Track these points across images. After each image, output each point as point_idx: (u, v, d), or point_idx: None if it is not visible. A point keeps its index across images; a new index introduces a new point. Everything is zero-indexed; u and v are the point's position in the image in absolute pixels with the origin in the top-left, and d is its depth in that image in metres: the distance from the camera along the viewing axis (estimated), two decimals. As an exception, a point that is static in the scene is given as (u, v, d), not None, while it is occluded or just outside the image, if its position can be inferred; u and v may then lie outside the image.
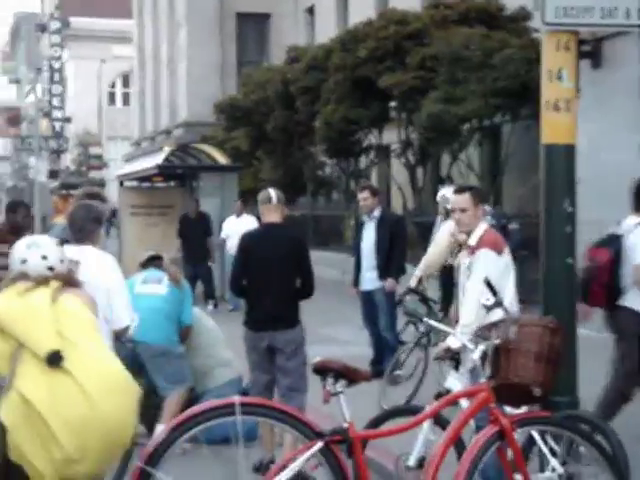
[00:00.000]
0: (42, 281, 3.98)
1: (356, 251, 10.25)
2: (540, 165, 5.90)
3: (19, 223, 8.13)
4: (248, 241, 6.91)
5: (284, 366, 6.69)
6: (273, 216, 6.82)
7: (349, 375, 4.49)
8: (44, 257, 4.13)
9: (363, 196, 9.87)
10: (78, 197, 6.99)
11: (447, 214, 8.66)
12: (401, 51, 17.03)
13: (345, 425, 4.43)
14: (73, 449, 3.48)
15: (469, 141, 16.59)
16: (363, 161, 21.41)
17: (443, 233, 8.66)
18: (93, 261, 5.22)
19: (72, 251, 5.20)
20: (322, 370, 4.51)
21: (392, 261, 9.78)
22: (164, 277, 7.47)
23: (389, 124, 18.94)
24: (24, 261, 4.11)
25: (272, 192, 6.90)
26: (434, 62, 15.97)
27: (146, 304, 6.99)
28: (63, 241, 4.68)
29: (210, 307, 15.75)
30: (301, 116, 20.75)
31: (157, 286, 7.44)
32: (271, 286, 6.71)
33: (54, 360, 3.59)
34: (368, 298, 9.96)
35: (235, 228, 16.39)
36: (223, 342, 7.97)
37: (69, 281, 4.12)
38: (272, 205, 6.82)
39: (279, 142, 22.83)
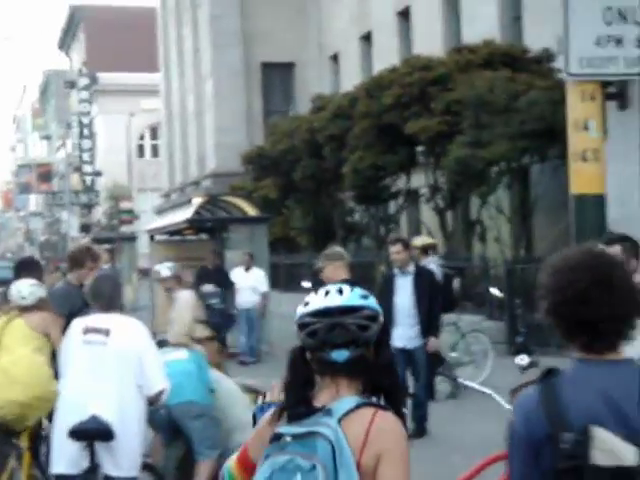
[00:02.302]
0: (5, 310, 6.64)
1: (386, 305, 9.49)
2: (570, 214, 5.85)
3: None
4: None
5: None
6: (345, 272, 7.03)
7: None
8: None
9: (396, 249, 9.11)
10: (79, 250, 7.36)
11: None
12: (426, 97, 17.07)
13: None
14: None
15: (497, 184, 16.53)
16: (392, 206, 21.38)
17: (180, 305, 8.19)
18: (123, 329, 5.21)
19: (100, 320, 5.19)
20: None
21: (434, 319, 9.24)
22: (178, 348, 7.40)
23: (417, 169, 18.92)
24: None
25: (341, 249, 7.20)
26: (459, 107, 15.99)
27: (175, 369, 6.87)
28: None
29: None
30: (328, 164, 20.81)
31: (177, 352, 7.32)
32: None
33: None
34: (407, 356, 9.09)
35: (244, 282, 15.90)
36: (244, 403, 7.56)
37: (23, 309, 6.45)
38: (344, 262, 7.12)
39: (308, 190, 22.89)
